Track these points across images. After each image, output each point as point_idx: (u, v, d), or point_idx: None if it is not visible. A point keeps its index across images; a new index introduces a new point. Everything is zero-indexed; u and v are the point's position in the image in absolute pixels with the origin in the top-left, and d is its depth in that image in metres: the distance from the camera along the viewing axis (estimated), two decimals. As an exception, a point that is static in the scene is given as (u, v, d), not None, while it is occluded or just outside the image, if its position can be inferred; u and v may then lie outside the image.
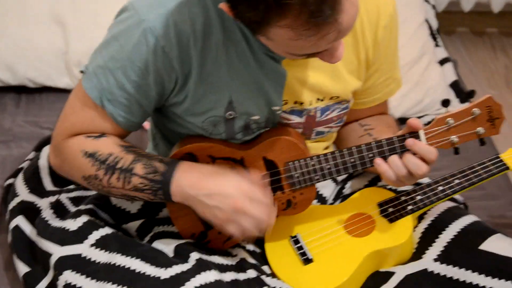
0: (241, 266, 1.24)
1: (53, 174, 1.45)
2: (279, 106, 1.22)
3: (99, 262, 1.18)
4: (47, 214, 1.34)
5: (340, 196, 1.41)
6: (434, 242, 1.24)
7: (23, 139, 1.77)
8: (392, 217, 1.28)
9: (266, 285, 1.21)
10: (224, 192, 1.13)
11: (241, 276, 1.21)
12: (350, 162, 1.21)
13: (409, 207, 1.28)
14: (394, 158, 1.18)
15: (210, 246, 1.30)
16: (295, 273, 1.25)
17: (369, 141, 1.21)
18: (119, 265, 1.17)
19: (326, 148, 1.37)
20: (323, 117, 1.28)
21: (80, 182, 1.22)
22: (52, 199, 1.40)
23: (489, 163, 1.29)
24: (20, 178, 1.46)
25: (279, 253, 1.28)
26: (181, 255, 1.21)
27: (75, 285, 1.16)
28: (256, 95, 1.19)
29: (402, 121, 1.90)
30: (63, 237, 1.23)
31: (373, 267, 1.27)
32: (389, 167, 1.18)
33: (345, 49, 1.17)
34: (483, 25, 2.94)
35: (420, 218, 1.30)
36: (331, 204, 1.40)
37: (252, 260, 1.27)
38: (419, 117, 1.93)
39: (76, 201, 1.39)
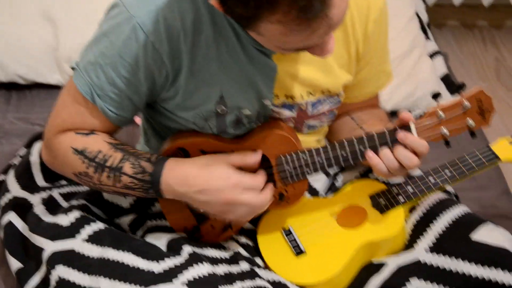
0: (234, 259, 1.25)
1: (44, 170, 1.45)
2: (270, 100, 1.22)
3: (91, 257, 1.18)
4: (39, 210, 1.34)
5: (332, 189, 1.41)
6: (426, 232, 1.25)
7: (14, 135, 1.77)
8: (384, 209, 1.29)
9: (259, 277, 1.21)
10: (214, 187, 1.13)
11: (234, 269, 1.21)
12: (342, 155, 1.22)
13: (401, 199, 1.29)
14: (385, 151, 1.18)
15: (203, 239, 1.30)
16: (287, 265, 1.26)
17: (361, 134, 1.21)
18: (112, 260, 1.17)
19: (318, 141, 1.38)
20: (314, 111, 1.28)
21: (72, 178, 1.22)
22: (44, 194, 1.40)
23: (480, 154, 1.29)
24: (11, 174, 1.46)
25: (271, 245, 1.29)
26: (174, 249, 1.21)
27: (68, 280, 1.16)
28: (247, 89, 1.19)
29: (393, 114, 1.91)
30: (56, 233, 1.23)
31: (366, 258, 1.28)
32: (381, 160, 1.18)
33: (336, 43, 1.17)
34: (473, 18, 2.95)
35: (412, 209, 1.31)
36: (323, 196, 1.40)
37: (245, 253, 1.27)
38: (410, 110, 1.94)
39: (68, 196, 1.39)
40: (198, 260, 1.16)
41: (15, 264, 1.30)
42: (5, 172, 1.51)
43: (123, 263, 1.16)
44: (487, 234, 1.20)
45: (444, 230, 1.23)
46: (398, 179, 1.33)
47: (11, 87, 1.93)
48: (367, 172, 1.40)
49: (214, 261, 1.21)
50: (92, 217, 1.26)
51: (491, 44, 2.85)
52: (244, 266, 1.22)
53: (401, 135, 1.17)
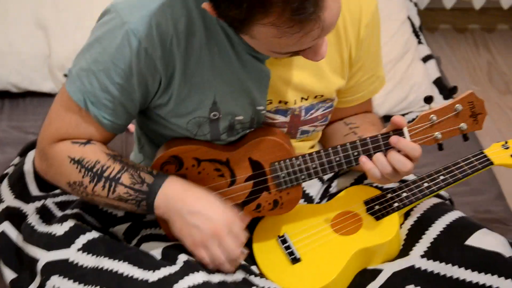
0: (229, 267, 1.25)
1: (38, 179, 1.44)
2: (263, 106, 1.22)
3: (86, 266, 1.18)
4: (33, 219, 1.33)
5: (327, 195, 1.41)
6: (421, 238, 1.25)
7: (8, 144, 1.76)
8: (378, 215, 1.29)
9: (254, 285, 1.21)
10: (208, 214, 1.14)
11: (229, 277, 1.21)
12: (336, 160, 1.22)
13: (395, 204, 1.29)
14: (379, 156, 1.18)
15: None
16: (283, 272, 1.25)
17: (354, 139, 1.21)
18: (107, 269, 1.17)
19: (312, 147, 1.38)
20: (307, 116, 1.28)
21: (64, 188, 1.21)
22: (38, 204, 1.39)
23: (474, 158, 1.30)
24: (5, 183, 1.45)
25: (267, 253, 1.28)
26: (168, 258, 1.21)
27: (62, 290, 1.16)
28: (240, 95, 1.19)
29: (386, 118, 1.92)
30: (50, 242, 1.23)
31: (361, 264, 1.27)
32: (374, 165, 1.18)
33: (328, 48, 1.17)
34: (465, 21, 2.96)
35: (407, 215, 1.31)
36: (318, 203, 1.40)
37: (240, 261, 1.27)
38: (403, 114, 1.95)
39: (62, 205, 1.38)
40: (193, 269, 1.16)
41: (9, 274, 1.29)
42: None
43: (118, 273, 1.16)
44: (481, 239, 1.21)
45: (439, 236, 1.23)
46: (393, 185, 1.33)
47: (3, 95, 1.93)
48: (361, 178, 1.40)
49: (209, 269, 1.21)
50: (86, 227, 1.26)
51: (483, 47, 2.86)
52: (239, 274, 1.22)
53: (394, 139, 1.18)
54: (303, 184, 1.33)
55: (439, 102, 1.94)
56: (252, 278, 1.23)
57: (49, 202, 1.38)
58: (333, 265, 1.24)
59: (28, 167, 1.47)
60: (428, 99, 1.20)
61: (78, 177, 1.17)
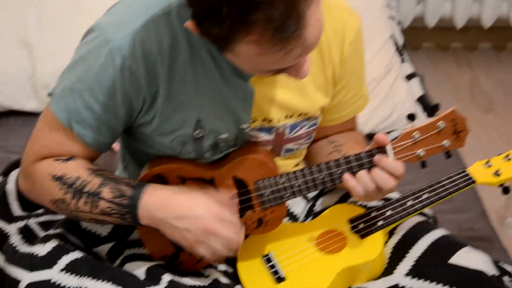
0: (214, 287, 1.24)
1: (21, 199, 1.43)
2: (247, 124, 1.22)
3: (69, 287, 1.16)
4: (16, 239, 1.32)
5: (311, 214, 1.41)
6: (405, 257, 1.25)
7: (-10, 163, 1.74)
8: (363, 233, 1.29)
9: (239, 304, 1.20)
10: (194, 214, 1.13)
11: (214, 297, 1.20)
12: (320, 178, 1.22)
13: (380, 223, 1.29)
14: (362, 173, 1.19)
15: (181, 267, 1.29)
16: (268, 291, 1.25)
17: (338, 157, 1.21)
18: (90, 290, 1.16)
19: (297, 165, 1.38)
20: (292, 134, 1.28)
21: (48, 206, 1.20)
22: (21, 224, 1.38)
23: (457, 177, 1.30)
24: (-13, 203, 1.44)
25: (251, 272, 1.28)
26: (152, 277, 1.20)
27: (45, 311, 1.15)
28: (224, 113, 1.19)
29: (371, 137, 1.92)
30: (32, 263, 1.21)
31: (346, 283, 1.27)
32: (358, 182, 1.19)
33: (312, 66, 1.18)
34: (447, 40, 2.99)
35: (391, 233, 1.31)
36: (303, 221, 1.40)
37: (224, 280, 1.26)
38: (388, 132, 1.95)
39: (45, 225, 1.37)
40: (178, 288, 1.15)
41: (-10, 296, 1.28)
42: (-19, 201, 1.49)
43: (101, 293, 1.15)
44: (465, 257, 1.21)
45: (423, 254, 1.24)
46: (377, 203, 1.33)
47: (-13, 114, 1.92)
48: (346, 197, 1.40)
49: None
50: (69, 247, 1.24)
51: (465, 65, 2.89)
52: (224, 293, 1.22)
53: (376, 158, 1.18)
54: (288, 203, 1.33)
55: (423, 120, 1.96)
56: (236, 297, 1.22)
57: (32, 222, 1.37)
58: (318, 284, 1.23)
59: (10, 187, 1.45)
60: (411, 117, 1.21)
61: (59, 194, 1.16)
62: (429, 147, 1.21)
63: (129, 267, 1.25)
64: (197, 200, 1.14)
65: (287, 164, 1.34)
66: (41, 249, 1.23)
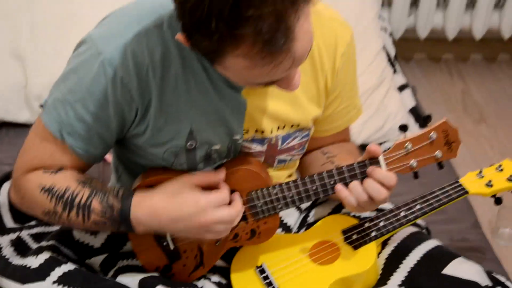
0: (207, 298, 1.24)
1: (13, 210, 1.43)
2: (240, 135, 1.22)
3: (62, 299, 1.16)
4: (8, 252, 1.31)
5: (305, 224, 1.41)
6: (398, 267, 1.25)
7: (-18, 175, 1.74)
8: (356, 244, 1.29)
9: (232, 316, 1.20)
10: (185, 215, 1.13)
11: (207, 308, 1.20)
12: (312, 189, 1.22)
13: (373, 234, 1.29)
14: (354, 184, 1.19)
15: (175, 278, 1.29)
16: (261, 303, 1.25)
17: (331, 168, 1.21)
18: (82, 302, 1.15)
19: (289, 176, 1.38)
20: (284, 145, 1.28)
21: (41, 217, 1.20)
22: (13, 236, 1.37)
23: (449, 188, 1.31)
24: (-21, 215, 1.43)
25: (245, 283, 1.27)
26: (145, 289, 1.20)
27: (37, 324, 1.14)
28: (216, 124, 1.19)
29: (363, 147, 1.91)
30: (25, 275, 1.21)
31: (339, 294, 1.27)
32: (350, 193, 1.19)
33: (304, 77, 1.18)
34: (439, 51, 3.00)
35: (384, 244, 1.31)
36: (296, 232, 1.40)
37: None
38: (380, 143, 1.96)
39: (37, 237, 1.36)
40: (171, 300, 1.15)
41: (-18, 309, 1.27)
42: (-27, 213, 1.48)
43: (94, 305, 1.14)
44: (458, 268, 1.21)
45: (416, 265, 1.24)
46: (370, 214, 1.34)
47: (-21, 126, 1.91)
48: (339, 208, 1.40)
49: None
50: (62, 258, 1.24)
51: (457, 76, 2.90)
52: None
53: (369, 169, 1.18)
54: (281, 214, 1.33)
55: (415, 131, 1.96)
56: (230, 309, 1.22)
57: (24, 234, 1.37)
58: (311, 295, 1.23)
59: (2, 199, 1.45)
60: (403, 128, 1.21)
61: (50, 206, 1.16)
62: (421, 157, 1.21)
63: (122, 278, 1.24)
64: (184, 198, 1.14)
65: (279, 175, 1.34)
66: (34, 261, 1.22)
